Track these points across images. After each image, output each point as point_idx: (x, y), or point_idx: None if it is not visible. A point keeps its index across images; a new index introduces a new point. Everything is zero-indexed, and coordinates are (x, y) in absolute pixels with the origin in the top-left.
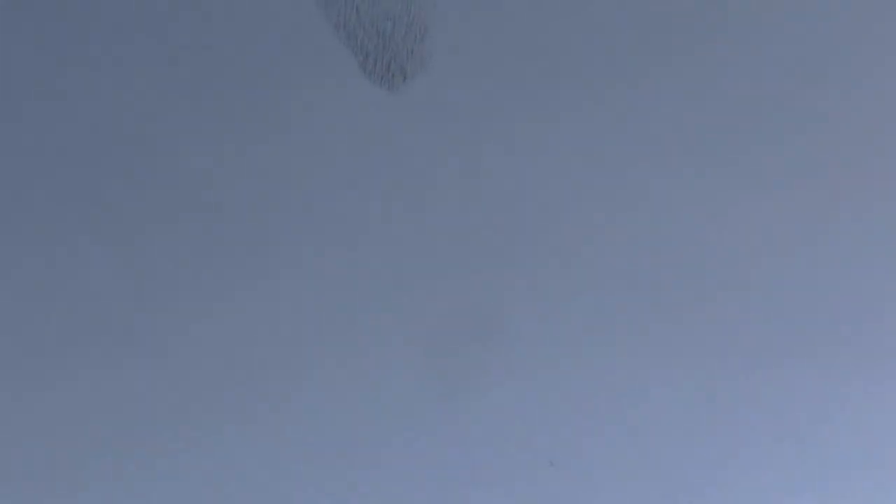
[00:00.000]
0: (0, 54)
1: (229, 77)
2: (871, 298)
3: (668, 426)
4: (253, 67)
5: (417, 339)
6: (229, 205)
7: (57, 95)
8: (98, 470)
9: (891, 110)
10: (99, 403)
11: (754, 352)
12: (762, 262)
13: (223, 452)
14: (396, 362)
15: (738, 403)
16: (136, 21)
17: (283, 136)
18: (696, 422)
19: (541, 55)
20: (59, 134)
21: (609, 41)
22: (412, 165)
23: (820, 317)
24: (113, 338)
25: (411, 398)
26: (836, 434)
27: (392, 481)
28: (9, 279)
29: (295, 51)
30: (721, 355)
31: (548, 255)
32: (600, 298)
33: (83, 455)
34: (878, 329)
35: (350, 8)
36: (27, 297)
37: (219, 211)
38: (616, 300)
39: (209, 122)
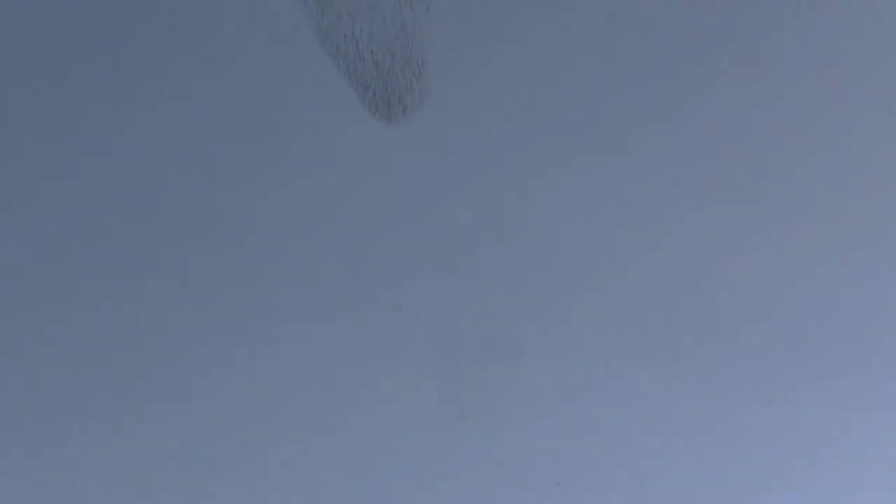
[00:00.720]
0: None
1: (230, 114)
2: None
3: (678, 450)
4: (252, 101)
5: (427, 361)
6: (232, 235)
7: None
8: None
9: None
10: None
11: (771, 384)
12: (787, 301)
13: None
14: (407, 384)
15: (749, 434)
16: (133, 70)
17: (286, 169)
18: (707, 447)
19: (539, 87)
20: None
21: (606, 72)
22: (416, 192)
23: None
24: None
25: (423, 419)
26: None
27: (402, 502)
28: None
29: (294, 83)
30: (737, 386)
31: (558, 279)
32: (612, 321)
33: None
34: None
35: (349, 41)
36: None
37: (221, 245)
38: (628, 323)
39: (211, 158)
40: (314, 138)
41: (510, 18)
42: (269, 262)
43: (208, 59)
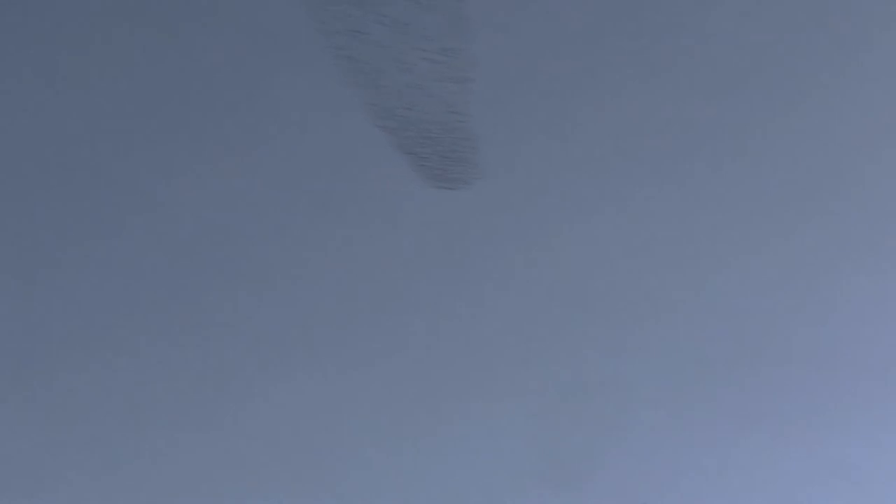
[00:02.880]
0: None
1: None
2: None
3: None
4: (308, 174)
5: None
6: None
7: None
8: None
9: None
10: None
11: None
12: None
13: None
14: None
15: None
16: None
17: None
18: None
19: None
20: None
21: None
22: (484, 254)
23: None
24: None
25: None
26: None
27: None
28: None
29: (353, 157)
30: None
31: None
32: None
33: None
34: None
35: (402, 117)
36: None
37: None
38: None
39: (279, 226)
40: (375, 208)
41: (550, 85)
42: (358, 333)
43: (270, 135)
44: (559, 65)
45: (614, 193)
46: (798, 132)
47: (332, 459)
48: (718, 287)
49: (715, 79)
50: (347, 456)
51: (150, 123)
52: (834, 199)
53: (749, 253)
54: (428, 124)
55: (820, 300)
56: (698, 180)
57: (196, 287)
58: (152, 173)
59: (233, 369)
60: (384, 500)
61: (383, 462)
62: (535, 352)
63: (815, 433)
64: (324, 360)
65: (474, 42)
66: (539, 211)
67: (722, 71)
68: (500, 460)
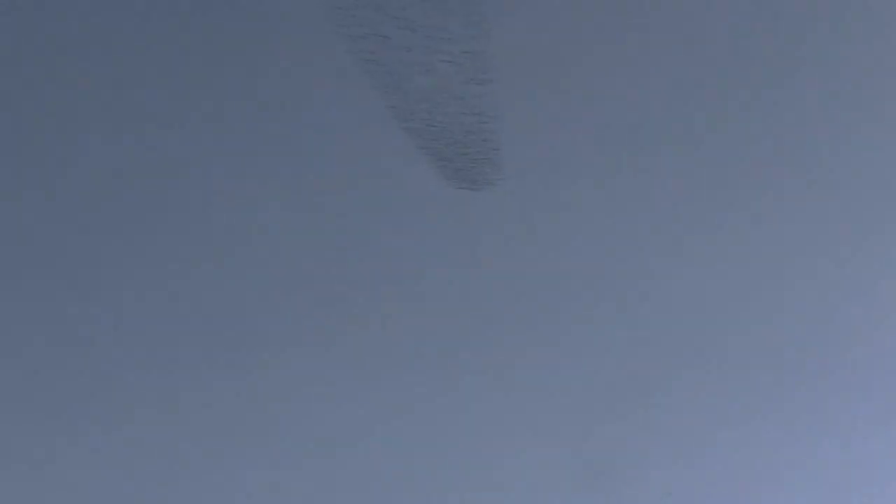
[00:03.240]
0: None
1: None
2: None
3: None
4: (333, 177)
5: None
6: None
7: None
8: None
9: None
10: None
11: None
12: None
13: None
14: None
15: None
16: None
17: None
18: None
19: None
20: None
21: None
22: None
23: None
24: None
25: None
26: None
27: None
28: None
29: (379, 161)
30: None
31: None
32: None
33: None
34: None
35: (426, 120)
36: None
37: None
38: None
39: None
40: (399, 209)
41: (574, 84)
42: (384, 333)
43: (295, 138)
44: (580, 64)
45: (638, 192)
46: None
47: (365, 462)
48: (751, 284)
49: (746, 77)
50: (382, 459)
51: (183, 130)
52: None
53: (782, 249)
54: (450, 126)
55: (868, 298)
56: (726, 177)
57: (219, 289)
58: (194, 177)
59: (256, 367)
60: (419, 502)
61: (416, 463)
62: (564, 351)
63: (862, 430)
64: (347, 360)
65: (495, 43)
66: (563, 210)
67: (753, 68)
68: (531, 462)
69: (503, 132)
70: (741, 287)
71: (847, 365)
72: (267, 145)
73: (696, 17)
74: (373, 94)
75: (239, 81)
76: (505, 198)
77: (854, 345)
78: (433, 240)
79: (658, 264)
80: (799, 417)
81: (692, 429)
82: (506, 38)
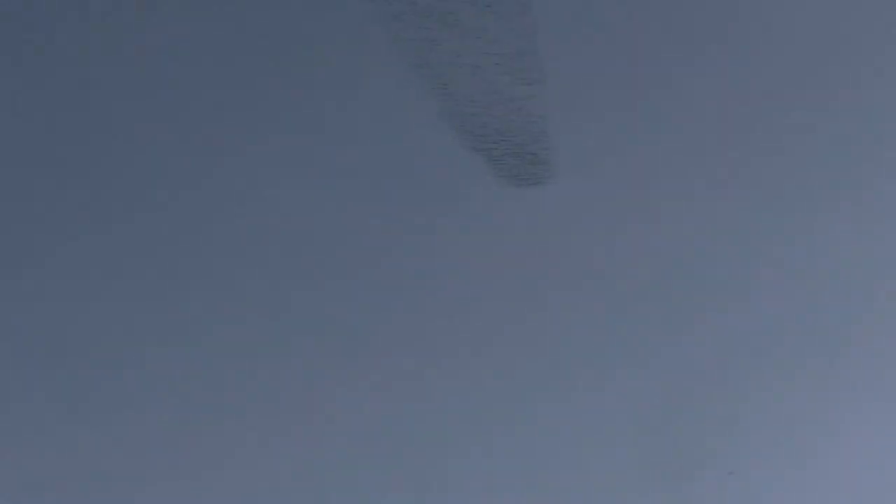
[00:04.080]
0: None
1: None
2: None
3: None
4: (387, 178)
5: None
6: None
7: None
8: None
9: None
10: None
11: None
12: None
13: None
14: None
15: None
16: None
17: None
18: None
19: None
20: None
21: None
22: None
23: None
24: None
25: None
26: None
27: None
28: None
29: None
30: None
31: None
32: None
33: None
34: None
35: (475, 121)
36: None
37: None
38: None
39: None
40: (452, 208)
41: (620, 84)
42: (437, 333)
43: (352, 141)
44: (628, 62)
45: (689, 189)
46: None
47: (430, 461)
48: (818, 279)
49: (802, 78)
50: (449, 458)
51: (231, 135)
52: None
53: (846, 241)
54: (501, 126)
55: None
56: (777, 172)
57: (272, 286)
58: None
59: (313, 368)
60: (488, 500)
61: (485, 462)
62: (628, 351)
63: None
64: (404, 360)
65: (543, 44)
66: (615, 208)
67: (809, 68)
68: (603, 460)
69: (553, 131)
70: (811, 276)
71: None
72: (320, 148)
73: (752, 9)
74: (425, 96)
75: (293, 86)
76: (555, 196)
77: None
78: (484, 237)
79: (716, 257)
80: (879, 415)
81: (767, 424)
82: (554, 37)
